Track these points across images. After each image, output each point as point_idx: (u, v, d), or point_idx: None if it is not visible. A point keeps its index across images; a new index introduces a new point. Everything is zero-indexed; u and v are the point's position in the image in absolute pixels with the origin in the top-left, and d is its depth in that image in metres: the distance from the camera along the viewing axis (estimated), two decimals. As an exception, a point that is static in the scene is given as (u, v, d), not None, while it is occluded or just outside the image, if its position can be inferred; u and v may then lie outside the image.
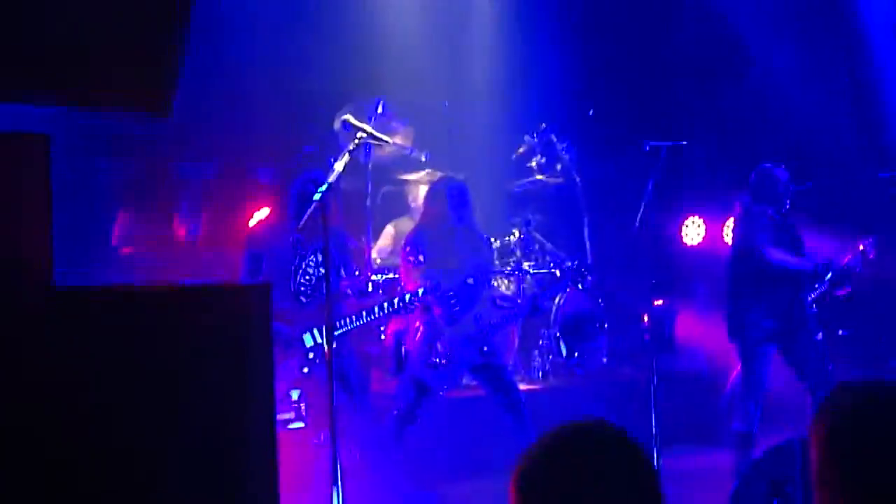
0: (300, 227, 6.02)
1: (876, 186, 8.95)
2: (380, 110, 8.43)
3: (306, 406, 6.58)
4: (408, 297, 6.57)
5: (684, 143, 6.89)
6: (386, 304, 6.64)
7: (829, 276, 7.40)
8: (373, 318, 6.67)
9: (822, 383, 7.04)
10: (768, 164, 7.40)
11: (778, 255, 7.15)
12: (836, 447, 2.64)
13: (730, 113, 9.95)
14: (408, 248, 7.06)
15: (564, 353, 8.99)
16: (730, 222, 8.44)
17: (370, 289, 7.38)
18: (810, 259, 7.28)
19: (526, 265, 8.98)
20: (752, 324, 7.22)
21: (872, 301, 8.64)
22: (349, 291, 6.88)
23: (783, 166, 7.40)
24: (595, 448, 2.25)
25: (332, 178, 5.47)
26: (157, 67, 3.34)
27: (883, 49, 9.61)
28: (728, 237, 8.85)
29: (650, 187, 6.58)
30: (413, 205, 9.02)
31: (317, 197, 5.34)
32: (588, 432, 2.28)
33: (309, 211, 5.59)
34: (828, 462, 2.65)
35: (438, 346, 6.86)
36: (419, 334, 6.87)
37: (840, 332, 8.71)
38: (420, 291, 6.59)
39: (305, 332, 6.56)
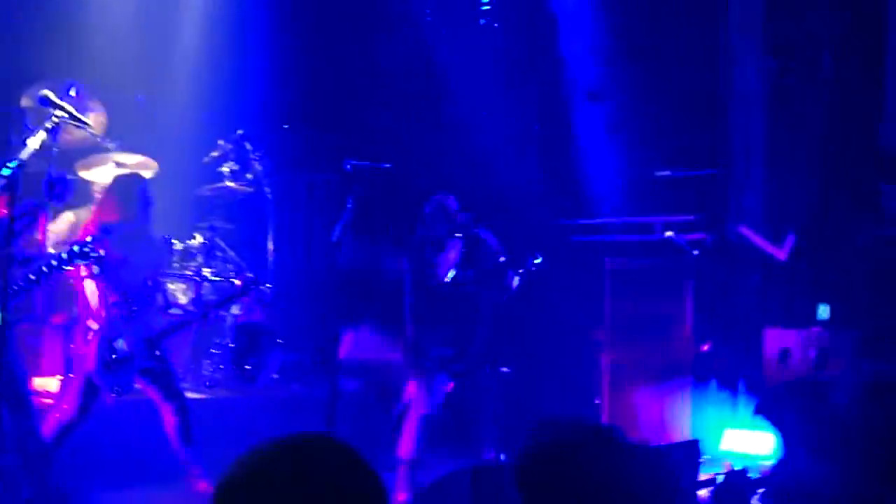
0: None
1: (551, 231, 9.48)
2: (73, 93, 8.07)
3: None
4: (76, 247, 6.12)
5: (387, 165, 6.99)
6: (59, 257, 6.19)
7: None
8: (43, 276, 6.21)
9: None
10: (438, 196, 7.69)
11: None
12: (533, 482, 2.75)
13: (428, 142, 10.20)
14: (89, 239, 6.77)
15: (235, 364, 8.87)
16: None
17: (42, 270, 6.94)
18: None
19: (206, 271, 8.81)
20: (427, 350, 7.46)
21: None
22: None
23: (453, 197, 7.70)
24: (317, 461, 2.08)
25: (24, 155, 5.16)
26: None
27: (576, 107, 10.18)
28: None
29: (349, 206, 6.60)
30: (97, 196, 8.65)
31: (6, 172, 5.01)
32: (303, 445, 2.12)
33: (-7, 188, 5.23)
34: (525, 498, 2.75)
35: (117, 344, 6.61)
36: (93, 332, 6.59)
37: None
38: (89, 239, 6.20)
39: None
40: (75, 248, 6.10)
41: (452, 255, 7.51)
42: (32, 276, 6.29)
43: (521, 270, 7.80)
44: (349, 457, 2.12)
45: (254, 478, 2.04)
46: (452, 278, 7.52)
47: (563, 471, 2.67)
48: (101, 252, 6.29)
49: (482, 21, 10.45)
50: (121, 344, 6.63)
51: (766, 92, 9.45)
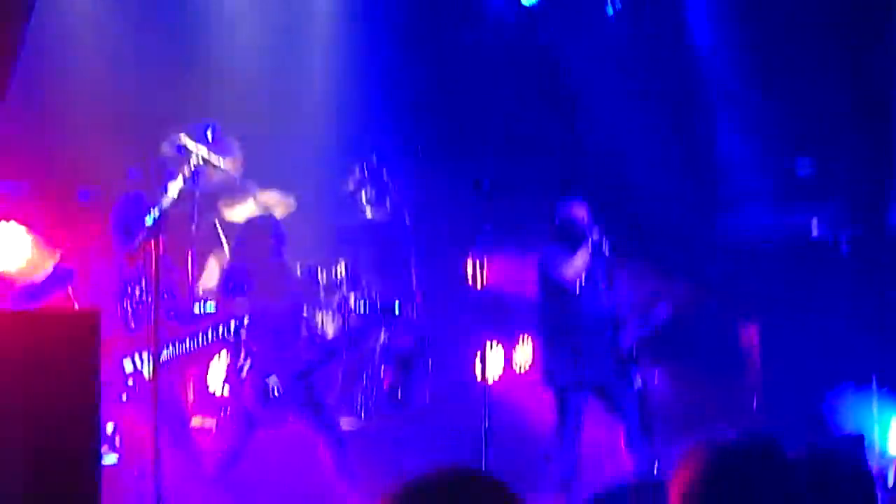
0: (132, 252, 5.76)
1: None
2: (209, 135, 8.21)
3: (121, 439, 6.30)
4: (233, 323, 6.39)
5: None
6: (210, 331, 6.45)
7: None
8: (197, 345, 6.46)
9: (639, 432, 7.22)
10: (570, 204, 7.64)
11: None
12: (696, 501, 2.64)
13: (563, 149, 10.11)
14: (230, 282, 6.91)
15: (388, 391, 8.89)
16: None
17: (194, 317, 7.14)
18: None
19: (352, 301, 8.86)
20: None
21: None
22: (173, 316, 6.66)
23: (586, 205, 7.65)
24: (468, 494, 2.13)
25: (165, 204, 5.26)
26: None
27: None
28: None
29: (487, 227, 6.58)
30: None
31: (149, 222, 5.11)
32: (462, 478, 2.16)
33: (142, 236, 5.33)
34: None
35: (269, 381, 6.70)
36: (246, 370, 6.70)
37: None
38: (246, 320, 6.44)
39: (125, 357, 6.30)
40: (233, 324, 6.35)
41: (580, 262, 7.43)
42: (198, 340, 6.45)
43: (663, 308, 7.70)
44: (501, 494, 2.14)
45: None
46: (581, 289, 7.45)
47: (728, 492, 2.54)
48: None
49: (611, 19, 10.30)
50: (273, 380, 6.71)
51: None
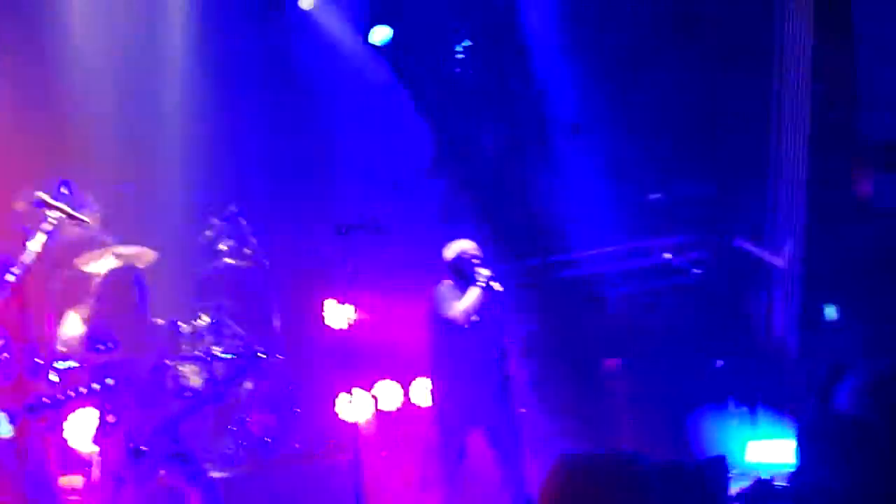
0: (-7, 309, 5.69)
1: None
2: (65, 191, 8.14)
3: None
4: (108, 380, 6.35)
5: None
6: (74, 388, 6.38)
7: None
8: (59, 402, 6.39)
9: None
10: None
11: None
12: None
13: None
14: (94, 337, 6.84)
15: (258, 437, 8.90)
16: None
17: (57, 377, 7.05)
18: None
19: (216, 350, 8.85)
20: None
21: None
22: (33, 374, 6.56)
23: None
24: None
25: (27, 259, 5.21)
26: None
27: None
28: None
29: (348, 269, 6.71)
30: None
31: (11, 279, 5.07)
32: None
33: (3, 294, 5.28)
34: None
35: (136, 436, 6.66)
36: (111, 424, 6.64)
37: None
38: (109, 376, 6.41)
39: None
40: (108, 380, 6.30)
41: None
42: (61, 396, 6.39)
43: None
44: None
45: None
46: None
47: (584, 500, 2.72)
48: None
49: (457, 70, 10.53)
50: (138, 436, 6.68)
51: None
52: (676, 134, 9.60)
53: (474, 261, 7.91)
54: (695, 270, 9.04)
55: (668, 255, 9.10)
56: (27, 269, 5.15)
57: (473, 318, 7.72)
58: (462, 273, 7.92)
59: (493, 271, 7.82)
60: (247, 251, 9.65)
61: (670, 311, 9.13)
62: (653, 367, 9.06)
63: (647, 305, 9.26)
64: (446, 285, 7.96)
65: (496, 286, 7.79)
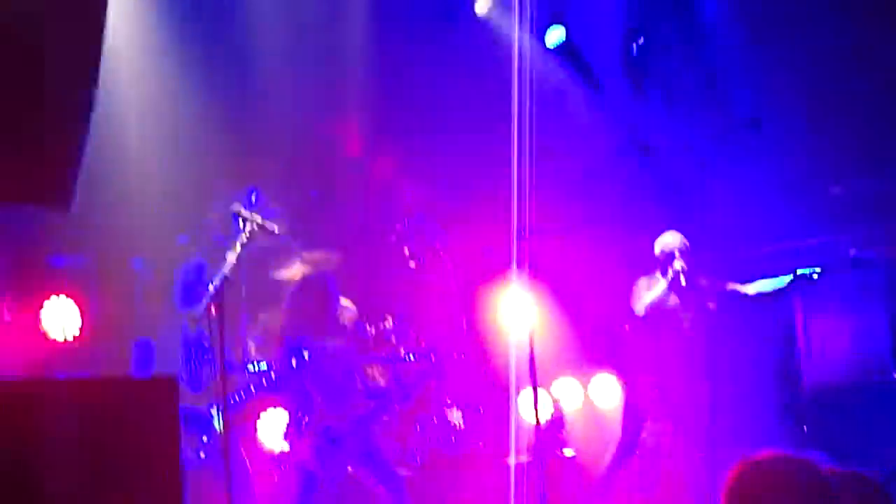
0: (197, 315, 6.00)
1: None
2: (254, 199, 8.45)
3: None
4: (294, 360, 6.63)
5: None
6: (266, 387, 6.66)
7: None
8: (263, 387, 6.72)
9: None
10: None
11: None
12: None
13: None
14: (288, 340, 7.10)
15: (441, 437, 9.03)
16: None
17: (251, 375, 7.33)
18: None
19: (402, 351, 9.03)
20: None
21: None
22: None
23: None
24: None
25: (226, 270, 5.47)
26: (63, 164, 3.36)
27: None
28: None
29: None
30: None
31: (212, 288, 5.33)
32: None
33: (206, 301, 5.56)
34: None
35: (326, 433, 6.87)
36: (304, 423, 6.88)
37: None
38: (293, 362, 6.67)
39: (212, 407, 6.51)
40: (293, 361, 6.57)
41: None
42: (252, 389, 6.69)
43: None
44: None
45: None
46: None
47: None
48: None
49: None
50: (328, 433, 6.88)
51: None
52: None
53: (676, 254, 8.03)
54: (880, 267, 8.74)
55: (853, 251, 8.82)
56: (227, 278, 5.41)
57: (684, 316, 7.61)
58: (663, 267, 8.10)
59: (693, 265, 7.92)
60: (430, 255, 9.80)
61: (857, 307, 8.81)
62: (834, 365, 8.77)
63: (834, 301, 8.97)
64: (646, 279, 8.16)
65: (683, 281, 7.89)
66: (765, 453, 2.85)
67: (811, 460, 2.77)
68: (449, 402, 9.22)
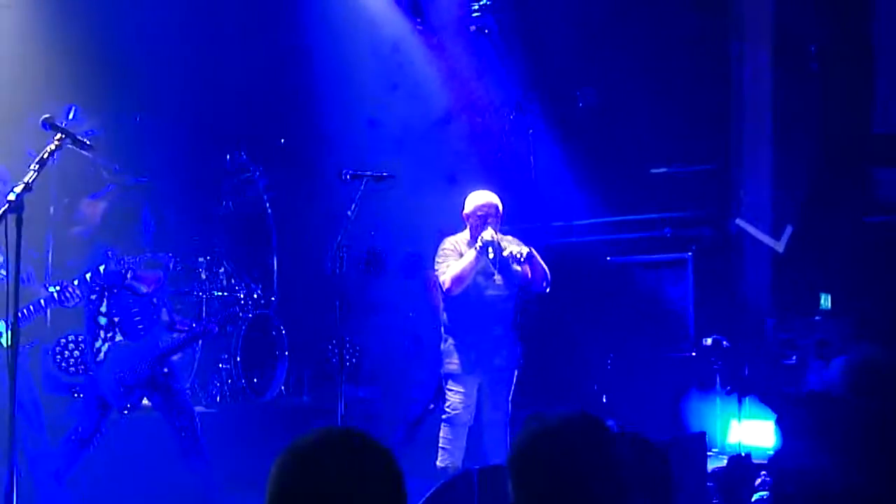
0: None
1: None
2: (71, 116, 8.14)
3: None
4: (88, 275, 6.45)
5: (385, 173, 7.05)
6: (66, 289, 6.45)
7: None
8: (53, 304, 6.49)
9: None
10: None
11: None
12: (520, 473, 2.81)
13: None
14: (97, 266, 6.87)
15: (243, 378, 8.92)
16: None
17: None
18: None
19: (211, 288, 8.88)
20: None
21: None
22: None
23: None
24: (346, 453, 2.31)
25: (28, 178, 5.17)
26: None
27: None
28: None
29: (351, 216, 6.72)
30: (95, 220, 8.69)
31: (12, 197, 5.04)
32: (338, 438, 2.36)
33: (3, 209, 5.23)
34: (516, 486, 2.82)
35: (124, 364, 6.70)
36: (103, 353, 6.69)
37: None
38: (88, 276, 6.50)
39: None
40: (88, 275, 6.35)
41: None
42: (42, 302, 6.46)
43: None
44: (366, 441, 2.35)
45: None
46: None
47: (549, 458, 2.74)
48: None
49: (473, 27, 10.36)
50: (126, 363, 6.73)
51: (766, 87, 9.49)
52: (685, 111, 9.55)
53: (486, 220, 7.11)
54: (692, 247, 9.06)
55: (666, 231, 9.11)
56: (28, 188, 5.11)
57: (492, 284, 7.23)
58: (472, 232, 7.22)
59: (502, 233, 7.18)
60: (250, 193, 9.67)
61: (666, 285, 9.12)
62: (641, 341, 9.04)
63: (642, 278, 9.25)
64: (452, 240, 7.33)
65: (492, 253, 7.04)
66: (557, 410, 2.88)
67: (598, 418, 2.81)
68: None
